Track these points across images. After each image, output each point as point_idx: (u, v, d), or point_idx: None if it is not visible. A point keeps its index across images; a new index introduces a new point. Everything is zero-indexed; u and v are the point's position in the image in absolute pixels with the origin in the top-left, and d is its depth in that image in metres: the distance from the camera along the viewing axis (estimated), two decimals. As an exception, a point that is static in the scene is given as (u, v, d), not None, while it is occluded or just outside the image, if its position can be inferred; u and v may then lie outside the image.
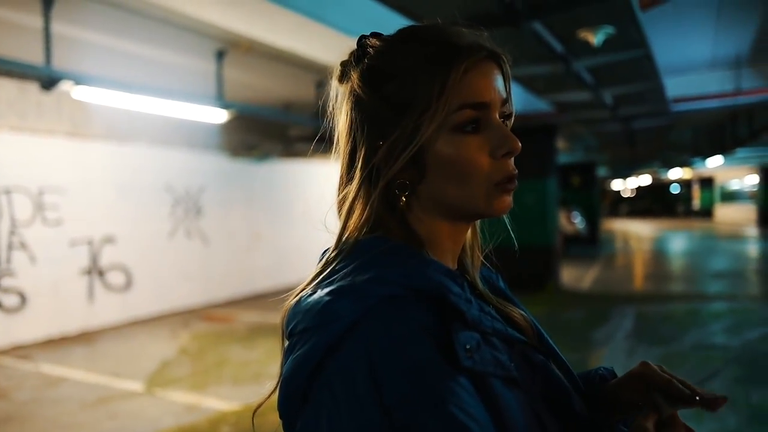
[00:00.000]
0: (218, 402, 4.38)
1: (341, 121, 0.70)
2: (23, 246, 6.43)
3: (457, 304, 0.59)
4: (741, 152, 14.61)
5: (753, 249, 15.07)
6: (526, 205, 8.87)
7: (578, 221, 15.27)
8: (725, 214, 27.81)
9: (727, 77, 6.97)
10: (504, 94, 0.67)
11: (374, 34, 0.70)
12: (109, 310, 7.25)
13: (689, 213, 34.31)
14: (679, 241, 18.22)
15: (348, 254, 0.64)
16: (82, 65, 5.69)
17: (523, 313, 0.78)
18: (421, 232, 0.68)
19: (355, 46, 0.71)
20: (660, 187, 38.01)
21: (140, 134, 7.68)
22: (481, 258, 0.80)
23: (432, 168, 0.65)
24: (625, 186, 39.59)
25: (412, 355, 0.54)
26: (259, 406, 0.66)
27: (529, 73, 4.80)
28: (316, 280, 0.63)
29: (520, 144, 0.66)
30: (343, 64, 0.71)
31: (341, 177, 0.71)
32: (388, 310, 0.57)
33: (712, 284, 9.55)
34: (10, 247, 6.34)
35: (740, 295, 8.38)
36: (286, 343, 0.62)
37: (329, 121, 0.73)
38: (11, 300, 6.30)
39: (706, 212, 31.25)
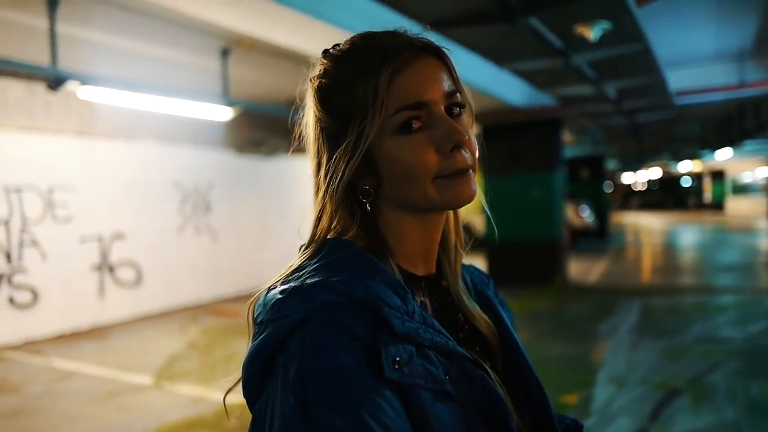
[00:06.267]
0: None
1: (310, 136, 0.75)
2: (34, 243, 6.56)
3: (388, 317, 0.61)
4: (750, 144, 14.43)
5: (763, 242, 14.94)
6: (531, 199, 8.86)
7: (587, 215, 15.21)
8: (736, 206, 27.48)
9: (731, 70, 6.93)
10: (449, 87, 0.68)
11: (326, 52, 0.73)
12: (119, 305, 7.37)
13: (701, 206, 33.96)
14: (689, 234, 18.10)
15: (311, 255, 0.69)
16: (88, 65, 5.78)
17: (488, 321, 0.78)
18: (389, 235, 0.71)
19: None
20: (671, 180, 37.64)
21: (147, 132, 7.78)
22: (463, 257, 0.80)
23: (384, 171, 0.68)
24: (635, 179, 39.28)
25: (337, 360, 0.57)
26: (230, 389, 0.71)
27: (530, 67, 4.82)
28: (284, 276, 0.68)
29: (466, 135, 0.67)
30: (311, 81, 0.74)
31: (315, 190, 0.74)
32: (325, 316, 0.60)
33: (720, 277, 9.51)
34: (21, 244, 6.46)
35: (747, 288, 8.35)
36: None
37: (304, 136, 0.77)
38: (23, 296, 6.43)
39: (718, 205, 30.91)
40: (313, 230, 0.72)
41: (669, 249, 14.17)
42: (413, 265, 0.73)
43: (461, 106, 0.69)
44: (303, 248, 0.72)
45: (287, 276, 0.67)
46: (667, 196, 37.18)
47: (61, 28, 4.62)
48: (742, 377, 4.48)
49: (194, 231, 8.51)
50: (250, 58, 6.00)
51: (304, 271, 0.66)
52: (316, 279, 0.63)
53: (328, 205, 0.70)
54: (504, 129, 8.82)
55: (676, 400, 4.06)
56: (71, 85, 4.78)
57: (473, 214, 14.14)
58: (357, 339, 0.59)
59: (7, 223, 6.35)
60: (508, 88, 7.28)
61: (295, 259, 0.71)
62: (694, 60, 7.09)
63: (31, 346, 6.20)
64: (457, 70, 0.71)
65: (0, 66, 4.74)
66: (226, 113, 6.31)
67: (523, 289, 8.49)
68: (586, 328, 6.34)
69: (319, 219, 0.71)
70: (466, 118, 0.71)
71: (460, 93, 0.69)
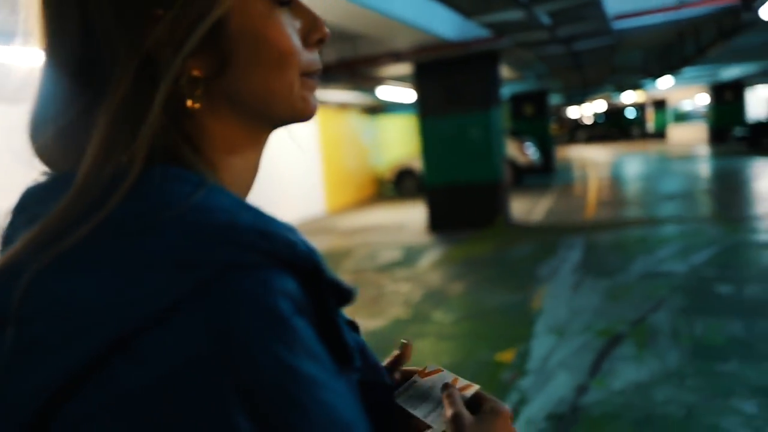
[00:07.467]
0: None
1: None
2: None
3: (338, 283, 0.39)
4: (690, 71, 14.44)
5: (703, 167, 15.15)
6: (470, 139, 8.44)
7: (532, 152, 15.00)
8: (678, 134, 28.12)
9: (671, -12, 6.51)
10: None
11: None
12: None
13: (645, 136, 34.72)
14: (633, 164, 18.24)
15: (122, 196, 0.36)
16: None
17: None
18: (212, 158, 0.43)
19: None
20: (616, 112, 38.22)
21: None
22: None
23: (240, 50, 0.42)
24: (581, 113, 39.69)
25: (303, 357, 0.34)
26: None
27: (449, -11, 4.24)
28: (33, 243, 0.36)
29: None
30: None
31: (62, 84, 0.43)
32: (247, 286, 0.33)
33: (663, 207, 9.44)
34: None
35: (689, 217, 8.27)
36: None
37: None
38: None
39: (660, 134, 31.63)
40: (96, 150, 0.38)
41: (614, 181, 14.16)
42: None
43: None
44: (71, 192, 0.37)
45: (50, 239, 0.35)
46: (612, 128, 37.74)
47: None
48: (685, 315, 4.25)
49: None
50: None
51: (119, 227, 0.35)
52: (195, 229, 0.34)
53: (130, 104, 0.38)
54: (438, 66, 8.29)
55: (618, 347, 3.78)
56: None
57: (414, 158, 13.69)
58: (310, 317, 0.37)
59: None
60: (436, 19, 6.67)
61: (55, 212, 0.36)
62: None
63: None
64: None
65: None
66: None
67: (465, 234, 8.20)
68: (526, 271, 6.05)
69: (109, 132, 0.38)
70: None
71: None
